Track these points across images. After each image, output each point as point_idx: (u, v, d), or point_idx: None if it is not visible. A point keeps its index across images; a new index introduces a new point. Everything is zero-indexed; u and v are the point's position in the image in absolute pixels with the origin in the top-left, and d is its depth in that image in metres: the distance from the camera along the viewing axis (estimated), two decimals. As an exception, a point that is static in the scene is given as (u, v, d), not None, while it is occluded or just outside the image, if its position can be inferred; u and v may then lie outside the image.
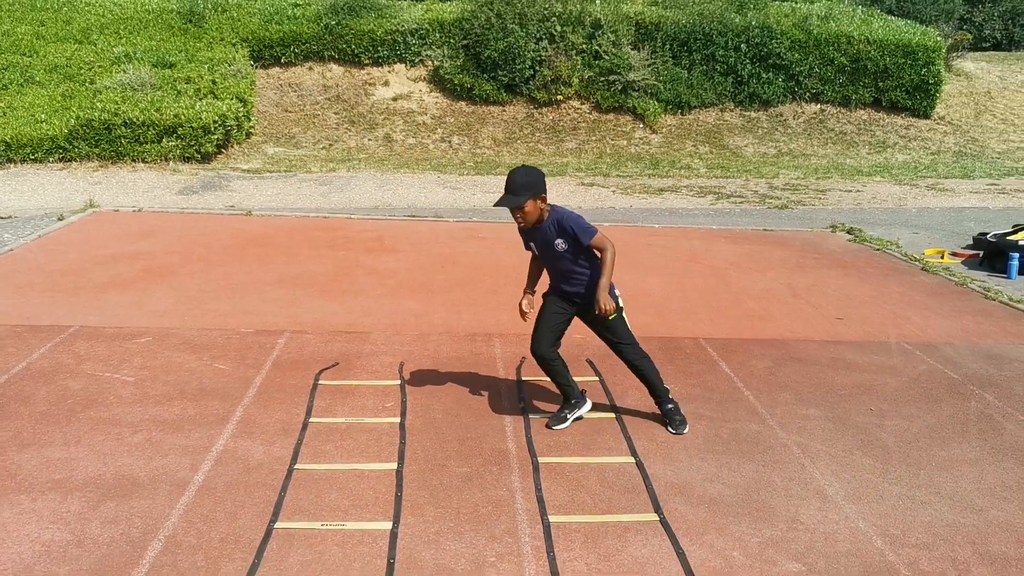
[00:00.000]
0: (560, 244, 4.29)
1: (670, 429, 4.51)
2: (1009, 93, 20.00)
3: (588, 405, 4.63)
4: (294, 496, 3.76)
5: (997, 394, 5.17)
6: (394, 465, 4.05)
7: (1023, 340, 6.22)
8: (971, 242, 9.03)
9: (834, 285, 7.66)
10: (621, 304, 4.36)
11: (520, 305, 4.47)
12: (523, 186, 4.18)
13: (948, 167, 15.64)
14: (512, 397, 4.91)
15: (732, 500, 3.85)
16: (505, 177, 4.25)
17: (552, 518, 3.63)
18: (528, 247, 4.48)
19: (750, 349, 5.85)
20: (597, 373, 5.28)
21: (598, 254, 4.29)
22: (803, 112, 18.10)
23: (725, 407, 4.88)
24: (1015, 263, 7.99)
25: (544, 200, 4.26)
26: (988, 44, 26.47)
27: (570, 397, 4.55)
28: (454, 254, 8.33)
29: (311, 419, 4.54)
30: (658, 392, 4.57)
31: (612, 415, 4.72)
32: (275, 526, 3.51)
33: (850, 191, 13.31)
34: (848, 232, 10.05)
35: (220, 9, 17.97)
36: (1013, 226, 8.73)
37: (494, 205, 4.30)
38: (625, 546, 3.45)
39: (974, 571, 3.34)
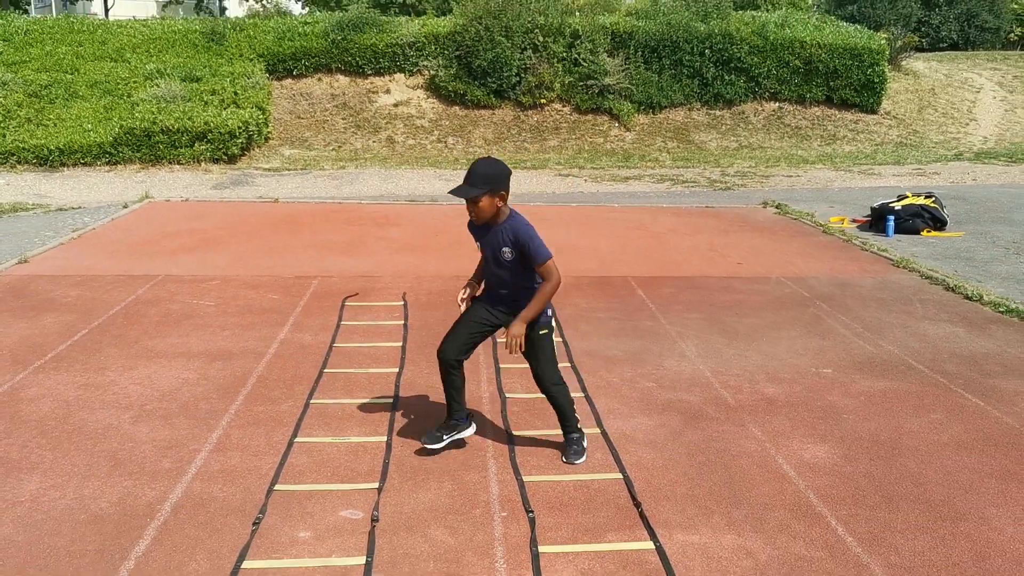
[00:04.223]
0: (507, 253, 4.01)
1: (563, 458, 4.26)
2: (952, 89, 22.03)
3: (472, 428, 4.40)
4: (335, 359, 5.81)
5: (831, 305, 7.21)
6: (400, 343, 6.11)
7: (871, 275, 8.25)
8: (869, 212, 11.04)
9: (747, 243, 9.70)
10: (554, 325, 4.26)
11: (460, 297, 4.27)
12: (483, 178, 3.88)
13: (885, 156, 17.68)
14: (482, 310, 6.96)
15: (621, 357, 5.89)
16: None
17: (502, 365, 5.67)
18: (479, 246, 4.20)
19: (663, 282, 7.89)
20: (545, 296, 7.31)
21: (541, 279, 4.05)
22: (763, 110, 20.15)
23: (633, 313, 6.92)
24: (891, 223, 10.02)
25: (504, 199, 3.96)
26: (945, 45, 28.52)
27: (452, 415, 4.31)
28: (445, 227, 10.39)
29: (342, 322, 6.60)
30: (568, 420, 4.31)
31: (557, 337, 6.74)
32: (324, 371, 5.56)
33: (791, 176, 15.37)
34: (776, 207, 12.07)
35: (238, 28, 20.10)
36: (898, 196, 10.75)
37: (450, 192, 4.04)
38: (545, 377, 5.49)
39: (760, 384, 5.39)
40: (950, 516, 3.80)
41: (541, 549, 3.51)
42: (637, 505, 3.87)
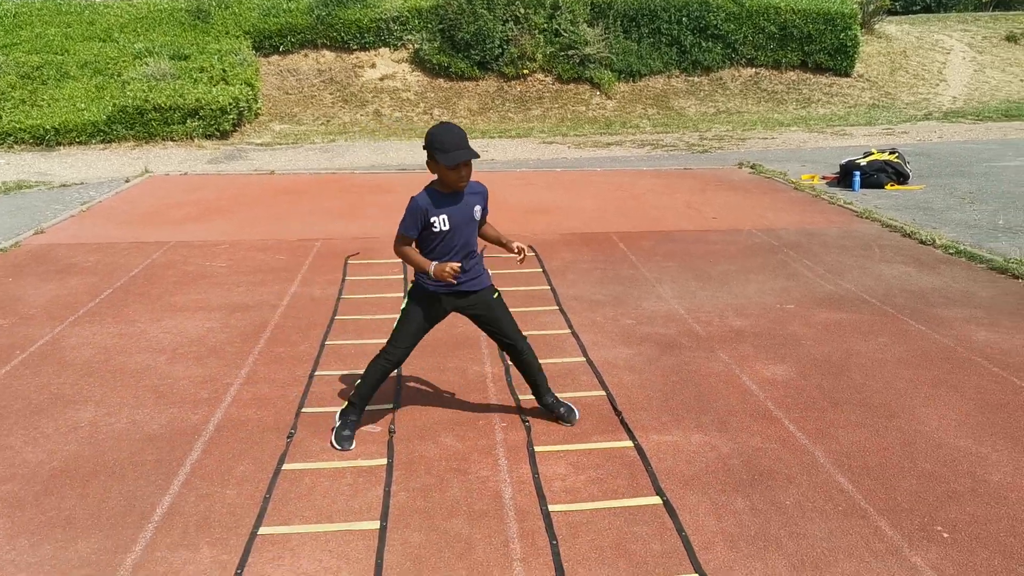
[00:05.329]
0: (478, 211, 4.00)
1: (564, 423, 4.31)
2: (923, 51, 22.60)
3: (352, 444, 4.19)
4: (344, 308, 6.37)
5: (798, 251, 7.81)
6: (402, 294, 6.67)
7: (836, 225, 8.86)
8: (838, 169, 11.63)
9: (721, 200, 10.28)
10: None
11: (450, 268, 3.81)
12: (467, 138, 3.86)
13: (858, 117, 18.27)
14: (475, 264, 7.53)
15: (605, 300, 6.48)
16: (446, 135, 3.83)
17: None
18: (419, 231, 3.94)
19: (642, 237, 8.47)
20: (535, 253, 7.88)
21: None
22: (740, 75, 20.67)
23: (615, 264, 7.50)
24: (857, 179, 10.63)
25: None
26: (918, 7, 29.06)
27: (358, 408, 4.24)
28: (436, 192, 10.91)
29: (347, 278, 7.15)
30: (540, 380, 4.33)
31: (546, 285, 7.32)
32: (336, 317, 6.13)
33: (766, 138, 15.94)
34: (751, 167, 12.65)
35: (223, 6, 20.39)
36: (864, 153, 11.35)
37: (456, 162, 3.77)
38: (536, 317, 6.08)
39: (729, 318, 5.99)
40: (885, 415, 4.42)
41: (537, 449, 4.11)
42: (618, 414, 4.47)
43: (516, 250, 4.03)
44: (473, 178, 3.98)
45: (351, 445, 4.16)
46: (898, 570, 3.15)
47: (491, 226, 4.21)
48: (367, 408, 4.50)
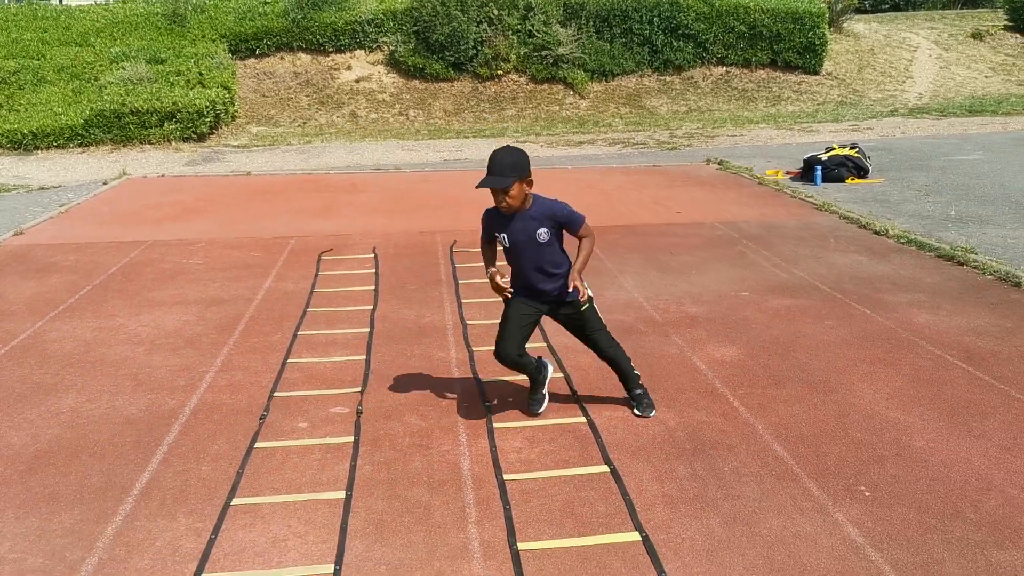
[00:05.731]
0: (544, 235, 4.07)
1: (636, 411, 4.44)
2: (890, 49, 23.06)
3: (550, 369, 4.57)
4: (316, 301, 6.60)
5: (757, 243, 8.10)
6: (372, 287, 6.92)
7: (796, 218, 9.17)
8: (802, 164, 11.97)
9: (687, 195, 10.58)
10: (591, 294, 4.30)
11: (495, 280, 4.17)
12: (509, 166, 3.89)
13: (826, 114, 18.66)
14: (445, 258, 7.78)
15: (567, 291, 6.74)
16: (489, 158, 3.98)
17: (464, 300, 6.51)
18: (493, 236, 4.22)
19: (608, 231, 8.74)
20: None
21: (581, 241, 4.21)
22: (711, 74, 21.03)
23: (580, 256, 7.76)
24: (818, 173, 10.96)
25: (531, 184, 4.01)
26: (887, 6, 29.56)
27: (537, 380, 4.48)
28: (410, 191, 11.16)
29: (320, 272, 7.38)
30: (629, 378, 4.46)
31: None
32: (308, 309, 6.36)
33: (735, 135, 16.29)
34: (718, 164, 12.96)
35: (199, 10, 20.55)
36: (825, 148, 11.69)
37: (477, 186, 3.96)
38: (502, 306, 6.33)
39: (685, 305, 6.27)
40: (824, 390, 4.71)
41: (496, 425, 4.37)
42: (573, 393, 4.73)
43: (572, 287, 4.13)
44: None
45: (538, 408, 4.49)
46: (821, 524, 3.42)
47: (583, 244, 4.19)
48: (337, 391, 4.77)
